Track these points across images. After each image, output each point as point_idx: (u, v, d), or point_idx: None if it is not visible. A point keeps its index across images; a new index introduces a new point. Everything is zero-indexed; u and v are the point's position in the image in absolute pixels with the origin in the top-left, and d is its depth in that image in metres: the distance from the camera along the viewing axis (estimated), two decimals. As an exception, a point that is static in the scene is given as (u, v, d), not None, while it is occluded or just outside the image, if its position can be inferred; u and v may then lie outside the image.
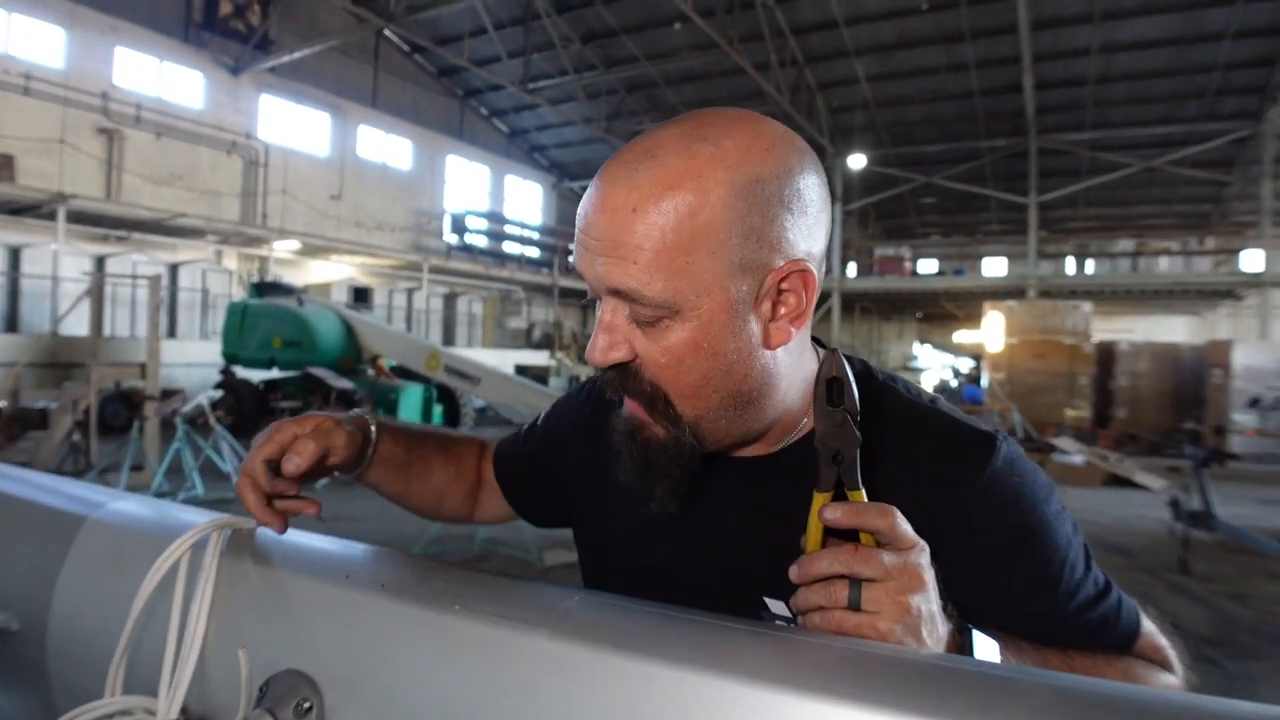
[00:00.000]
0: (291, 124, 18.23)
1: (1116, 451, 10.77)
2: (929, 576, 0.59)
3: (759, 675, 0.49)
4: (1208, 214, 23.47)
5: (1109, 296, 21.38)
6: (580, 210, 0.66)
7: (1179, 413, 13.95)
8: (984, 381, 15.28)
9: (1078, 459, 9.44)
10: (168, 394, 8.19)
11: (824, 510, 0.59)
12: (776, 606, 0.70)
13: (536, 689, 0.54)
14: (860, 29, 16.86)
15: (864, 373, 0.75)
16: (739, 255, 0.62)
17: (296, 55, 16.56)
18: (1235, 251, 21.05)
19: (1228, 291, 20.61)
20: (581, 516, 0.90)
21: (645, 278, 0.61)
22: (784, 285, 0.65)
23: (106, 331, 12.38)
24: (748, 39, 15.58)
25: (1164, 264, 22.16)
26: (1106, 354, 14.83)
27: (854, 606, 0.57)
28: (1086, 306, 14.99)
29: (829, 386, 0.59)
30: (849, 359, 0.65)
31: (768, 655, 0.52)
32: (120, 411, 10.42)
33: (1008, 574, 0.68)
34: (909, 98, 19.25)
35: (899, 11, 16.06)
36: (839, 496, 0.60)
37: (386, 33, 18.58)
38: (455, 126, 22.82)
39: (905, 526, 0.58)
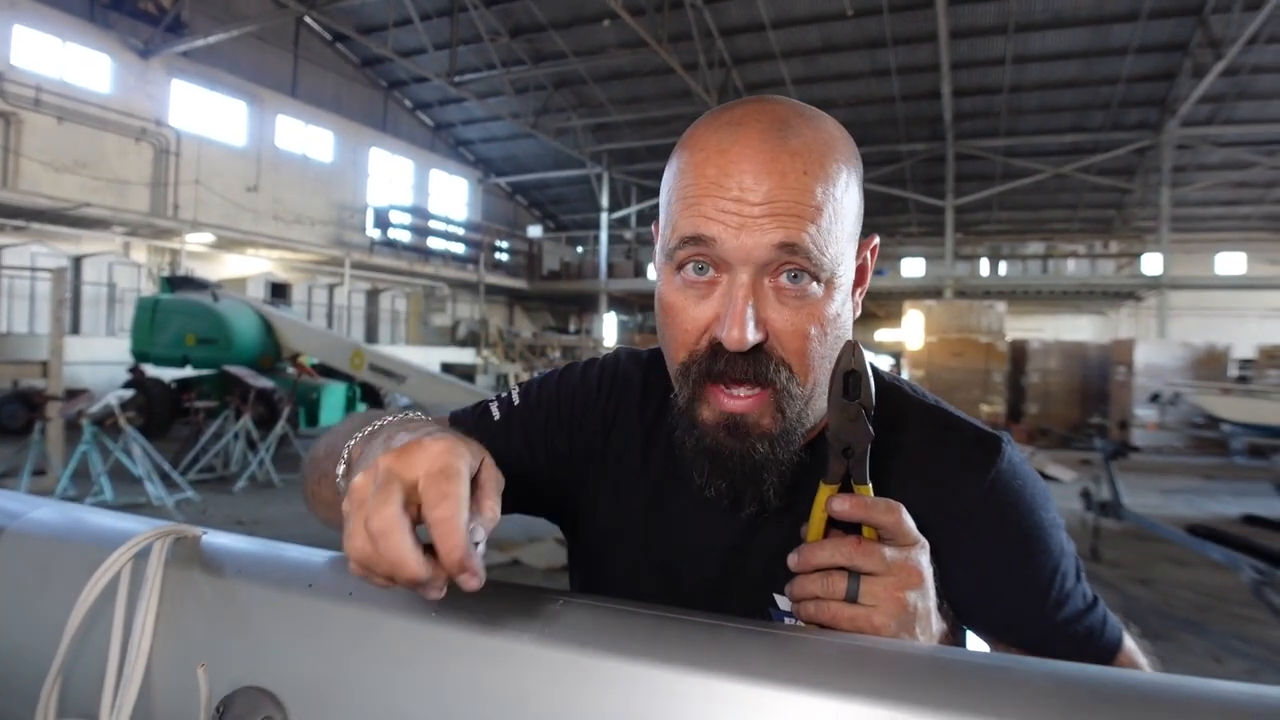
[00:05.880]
0: (205, 111, 17.41)
1: (1030, 445, 11.22)
2: (927, 574, 0.59)
3: (750, 672, 0.48)
4: (1111, 219, 24.67)
5: (1021, 297, 22.25)
6: (712, 179, 0.60)
7: (1086, 408, 14.66)
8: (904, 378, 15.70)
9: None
10: (72, 394, 7.76)
11: (832, 501, 0.58)
12: (785, 603, 0.69)
13: (525, 695, 0.51)
14: (786, 32, 17.12)
15: (874, 371, 0.75)
16: (856, 228, 0.65)
17: (211, 40, 15.87)
18: (1137, 255, 22.14)
19: (1130, 293, 21.70)
20: (584, 508, 0.82)
21: (822, 240, 0.60)
22: (863, 259, 0.69)
23: (2, 328, 11.70)
24: (676, 38, 15.66)
25: (1071, 266, 23.15)
26: (1019, 352, 15.46)
27: (851, 599, 0.56)
28: (1000, 306, 15.53)
29: (845, 380, 0.58)
30: None
31: (758, 652, 0.51)
32: (19, 413, 9.85)
33: (1003, 575, 0.68)
34: (833, 101, 19.63)
35: (824, 16, 16.37)
36: (845, 489, 0.59)
37: (307, 19, 18.00)
38: (379, 118, 22.26)
39: (909, 523, 0.58)
